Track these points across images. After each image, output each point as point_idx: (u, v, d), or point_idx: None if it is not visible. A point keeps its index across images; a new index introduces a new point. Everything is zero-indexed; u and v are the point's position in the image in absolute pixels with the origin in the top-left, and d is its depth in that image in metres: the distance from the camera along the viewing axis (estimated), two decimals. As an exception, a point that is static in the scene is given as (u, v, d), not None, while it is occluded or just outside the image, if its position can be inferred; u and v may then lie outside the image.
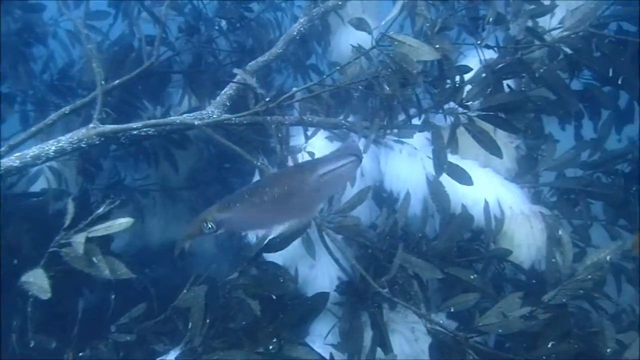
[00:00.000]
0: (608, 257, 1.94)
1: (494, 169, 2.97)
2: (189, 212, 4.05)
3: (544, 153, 2.88)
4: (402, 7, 2.27)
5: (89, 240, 1.95)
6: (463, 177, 2.53)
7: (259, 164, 2.48)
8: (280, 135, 2.45)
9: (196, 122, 2.44)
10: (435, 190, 2.60)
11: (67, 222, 2.00)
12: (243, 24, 3.13)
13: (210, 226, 1.73)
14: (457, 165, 2.53)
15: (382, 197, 2.99)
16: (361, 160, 1.73)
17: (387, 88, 2.22)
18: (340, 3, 2.86)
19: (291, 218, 1.80)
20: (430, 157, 2.58)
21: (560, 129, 3.22)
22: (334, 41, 3.39)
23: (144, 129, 2.45)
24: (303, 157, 2.97)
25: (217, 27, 3.24)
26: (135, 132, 2.47)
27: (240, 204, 1.67)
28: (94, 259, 1.94)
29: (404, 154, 2.75)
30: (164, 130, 2.50)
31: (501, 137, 2.97)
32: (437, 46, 2.20)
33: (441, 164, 2.38)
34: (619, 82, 2.52)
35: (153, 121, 2.43)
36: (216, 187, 3.99)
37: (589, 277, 1.98)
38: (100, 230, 1.98)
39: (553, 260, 2.41)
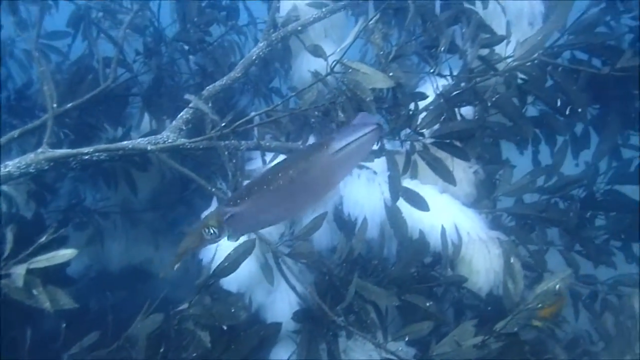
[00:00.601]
0: (557, 286, 1.95)
1: (453, 194, 2.98)
2: (151, 235, 3.97)
3: (501, 178, 2.90)
4: (356, 34, 2.27)
5: (29, 272, 1.88)
6: (419, 203, 2.53)
7: (213, 190, 2.44)
8: (234, 160, 2.42)
9: (149, 147, 2.40)
10: (393, 215, 2.60)
11: (7, 252, 1.93)
12: (203, 48, 3.11)
13: (212, 232, 1.57)
14: (414, 191, 2.53)
15: (344, 220, 2.98)
16: (382, 128, 1.62)
17: (342, 115, 2.21)
18: (299, 28, 2.85)
19: (312, 201, 1.67)
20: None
21: (519, 154, 3.28)
22: (295, 65, 3.39)
23: (96, 154, 2.40)
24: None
25: (178, 49, 3.21)
26: (86, 157, 2.42)
27: (250, 196, 1.52)
28: (34, 290, 1.87)
29: (362, 179, 2.74)
30: (117, 155, 2.45)
31: (460, 162, 3.00)
32: (391, 74, 2.21)
33: (396, 190, 2.38)
34: (569, 111, 2.56)
35: (104, 146, 2.38)
36: (180, 209, 3.92)
37: (540, 305, 1.98)
38: (42, 261, 1.91)
39: (509, 286, 2.41)
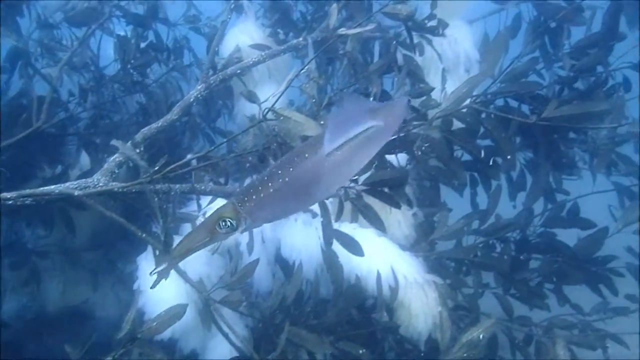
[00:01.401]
0: (481, 336, 1.96)
1: (392, 236, 3.01)
2: (91, 275, 3.85)
3: (438, 221, 2.94)
4: (289, 82, 2.29)
5: None
6: (354, 248, 2.53)
7: (144, 235, 2.38)
8: (169, 204, 2.38)
9: (76, 193, 2.34)
10: (329, 260, 2.59)
11: None
12: (141, 89, 3.08)
13: (229, 224, 1.45)
14: (348, 236, 2.53)
15: (285, 262, 2.96)
16: (394, 126, 1.50)
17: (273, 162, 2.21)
18: (239, 72, 2.86)
19: (312, 201, 1.58)
20: (325, 227, 2.58)
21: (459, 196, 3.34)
22: (238, 105, 3.40)
23: (20, 199, 2.32)
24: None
25: (119, 89, 3.18)
26: (10, 202, 2.33)
27: (261, 188, 1.44)
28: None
29: (299, 223, 2.74)
30: (43, 200, 2.37)
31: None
32: (322, 122, 2.23)
33: (328, 236, 2.38)
34: (501, 157, 2.63)
35: (29, 191, 2.31)
36: (121, 247, 3.82)
37: (465, 355, 1.99)
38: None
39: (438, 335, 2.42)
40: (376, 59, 2.92)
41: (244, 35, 3.34)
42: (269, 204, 1.45)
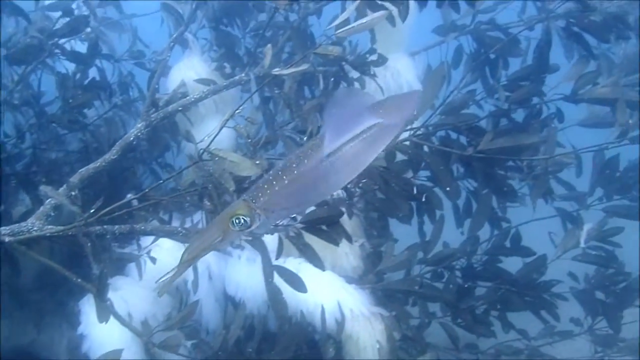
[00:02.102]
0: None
1: (340, 268, 3.02)
2: (37, 315, 3.73)
3: (385, 251, 2.96)
4: (224, 122, 2.29)
5: None
6: (297, 284, 2.52)
7: (79, 281, 2.33)
8: (103, 248, 2.34)
9: (7, 239, 2.28)
10: (273, 297, 2.57)
11: None
12: (81, 127, 3.04)
13: (243, 221, 1.43)
14: (291, 272, 2.52)
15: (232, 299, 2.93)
16: (401, 122, 1.47)
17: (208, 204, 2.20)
18: (180, 109, 2.86)
19: (318, 199, 1.58)
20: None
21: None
22: (183, 142, 3.39)
23: (-54, 245, 2.25)
24: (144, 264, 2.86)
25: (60, 127, 3.12)
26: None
27: (271, 184, 1.43)
28: None
29: (243, 260, 2.72)
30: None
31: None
32: (257, 162, 2.23)
33: (268, 273, 2.37)
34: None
35: (-43, 238, 2.24)
36: (69, 287, 3.71)
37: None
38: None
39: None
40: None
41: (189, 70, 3.35)
42: (280, 199, 1.45)
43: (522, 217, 3.39)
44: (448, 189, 2.65)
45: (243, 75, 2.95)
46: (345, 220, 2.85)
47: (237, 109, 2.33)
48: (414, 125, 2.78)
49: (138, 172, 3.33)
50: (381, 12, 2.23)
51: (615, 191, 2.93)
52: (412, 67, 3.36)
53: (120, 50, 3.72)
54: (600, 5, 2.65)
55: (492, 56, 3.31)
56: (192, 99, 2.90)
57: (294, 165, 1.44)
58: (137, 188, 3.05)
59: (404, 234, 3.26)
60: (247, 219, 1.43)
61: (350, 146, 1.43)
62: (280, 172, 1.45)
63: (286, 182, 1.43)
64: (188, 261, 1.46)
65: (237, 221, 1.43)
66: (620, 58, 2.83)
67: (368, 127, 1.44)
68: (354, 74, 3.03)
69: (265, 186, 1.45)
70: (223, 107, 3.45)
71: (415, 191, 2.60)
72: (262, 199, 1.44)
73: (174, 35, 3.01)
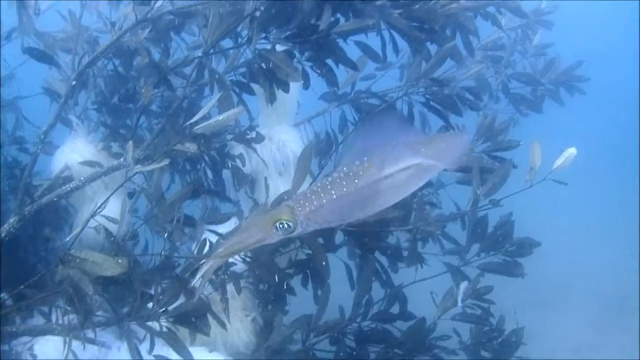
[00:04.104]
0: None
1: (232, 345, 3.03)
2: None
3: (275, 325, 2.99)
4: (85, 223, 2.31)
5: None
6: (177, 374, 2.52)
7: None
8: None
9: None
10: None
11: None
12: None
13: (287, 226, 1.52)
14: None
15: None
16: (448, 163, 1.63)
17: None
18: (55, 199, 2.83)
19: (368, 212, 1.65)
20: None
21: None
22: (77, 221, 3.35)
23: None
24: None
25: None
26: None
27: (320, 195, 1.54)
28: None
29: (122, 352, 2.69)
30: None
31: (237, 310, 3.08)
32: (120, 260, 2.24)
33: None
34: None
35: None
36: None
37: None
38: None
39: None
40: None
41: (74, 153, 3.32)
42: (324, 211, 1.56)
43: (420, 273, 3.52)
44: (324, 263, 2.73)
45: (122, 160, 2.97)
46: (234, 294, 2.91)
47: (99, 208, 2.35)
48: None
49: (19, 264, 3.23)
50: (237, 109, 2.32)
51: (488, 248, 3.10)
52: (297, 137, 3.47)
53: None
54: (454, 80, 2.87)
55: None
56: (68, 188, 2.87)
57: (344, 183, 1.56)
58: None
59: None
60: (291, 224, 1.53)
61: (396, 177, 1.59)
62: (329, 187, 1.57)
63: (334, 197, 1.55)
64: (224, 256, 1.56)
65: (280, 225, 1.53)
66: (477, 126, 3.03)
67: (415, 163, 1.61)
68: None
69: (313, 197, 1.56)
70: (113, 185, 3.42)
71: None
72: (307, 208, 1.55)
73: (49, 121, 3.00)
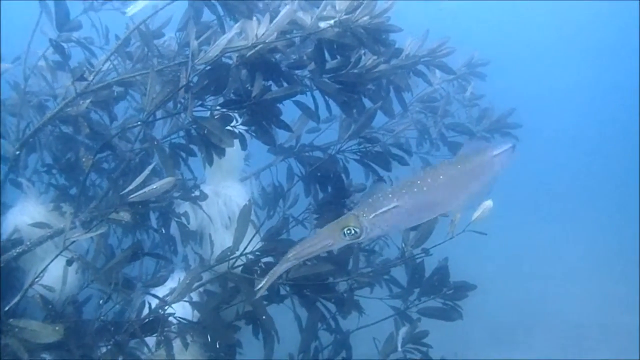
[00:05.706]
0: None
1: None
2: None
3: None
4: (27, 287, 2.39)
5: None
6: None
7: None
8: None
9: None
10: None
11: None
12: None
13: (354, 232, 1.72)
14: None
15: None
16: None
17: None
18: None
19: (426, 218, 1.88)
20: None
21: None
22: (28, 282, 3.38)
23: None
24: None
25: None
26: None
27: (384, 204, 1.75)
28: None
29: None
30: None
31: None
32: (57, 328, 2.31)
33: None
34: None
35: None
36: None
37: None
38: None
39: None
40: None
41: (24, 216, 3.39)
42: (389, 218, 1.76)
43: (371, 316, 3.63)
44: (264, 317, 2.83)
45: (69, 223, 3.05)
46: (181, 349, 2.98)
47: (41, 272, 2.43)
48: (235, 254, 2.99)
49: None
50: (168, 179, 2.45)
51: (426, 292, 3.25)
52: (242, 192, 3.61)
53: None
54: (382, 138, 3.06)
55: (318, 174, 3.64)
56: (15, 253, 2.94)
57: (403, 191, 1.79)
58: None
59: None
60: (357, 230, 1.73)
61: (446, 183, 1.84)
62: (390, 195, 1.79)
63: (395, 204, 1.76)
64: (292, 259, 1.73)
65: (348, 231, 1.73)
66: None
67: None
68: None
69: (376, 205, 1.76)
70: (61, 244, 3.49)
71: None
72: (371, 215, 1.74)
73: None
